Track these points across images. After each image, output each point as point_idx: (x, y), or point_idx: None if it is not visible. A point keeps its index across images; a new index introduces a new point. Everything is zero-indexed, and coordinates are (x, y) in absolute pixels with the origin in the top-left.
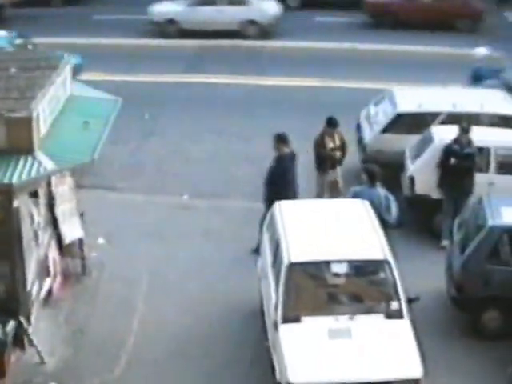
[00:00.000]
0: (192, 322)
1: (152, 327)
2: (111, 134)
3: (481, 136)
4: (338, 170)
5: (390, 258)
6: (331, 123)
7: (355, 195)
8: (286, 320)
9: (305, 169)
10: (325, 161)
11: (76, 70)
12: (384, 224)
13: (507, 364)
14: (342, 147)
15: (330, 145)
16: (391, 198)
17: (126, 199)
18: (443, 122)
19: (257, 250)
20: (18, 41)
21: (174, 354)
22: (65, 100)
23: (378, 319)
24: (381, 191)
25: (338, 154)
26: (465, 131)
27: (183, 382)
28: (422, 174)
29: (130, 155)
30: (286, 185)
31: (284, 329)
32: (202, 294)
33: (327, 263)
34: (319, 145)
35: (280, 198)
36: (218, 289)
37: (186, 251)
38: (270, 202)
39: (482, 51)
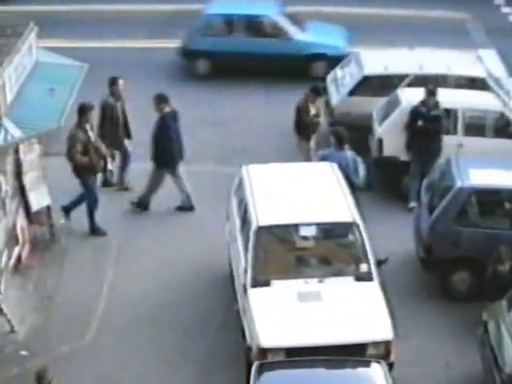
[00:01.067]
0: (162, 287)
1: (122, 293)
2: (77, 100)
3: (448, 98)
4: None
5: (359, 221)
6: (317, 92)
7: (323, 158)
8: (255, 284)
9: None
10: (308, 127)
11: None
12: (352, 186)
13: (477, 325)
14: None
15: (313, 111)
16: (359, 160)
17: None
18: (410, 84)
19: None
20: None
21: (144, 320)
22: (31, 67)
23: (347, 281)
24: (348, 154)
25: (319, 119)
26: (432, 93)
27: (153, 348)
28: (390, 136)
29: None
30: (170, 143)
31: (254, 293)
32: (171, 259)
33: (296, 226)
34: (304, 111)
35: (166, 157)
36: (187, 253)
37: (154, 216)
38: (157, 161)
39: None
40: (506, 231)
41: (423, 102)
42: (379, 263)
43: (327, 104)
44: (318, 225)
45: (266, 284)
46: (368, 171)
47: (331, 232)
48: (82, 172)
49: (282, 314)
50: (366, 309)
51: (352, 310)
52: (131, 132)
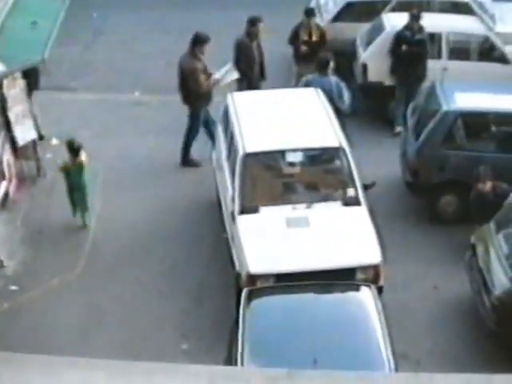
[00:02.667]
0: (149, 217)
1: (110, 225)
2: (60, 34)
3: (432, 22)
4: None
5: (345, 145)
6: (305, 13)
7: (307, 84)
8: (243, 211)
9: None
10: (297, 52)
11: None
12: (337, 111)
13: (465, 248)
14: (320, 42)
15: (304, 37)
16: (343, 85)
17: (78, 98)
18: (394, 9)
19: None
20: None
21: (133, 251)
22: (12, 1)
23: (335, 206)
24: (332, 79)
25: (304, 48)
26: (415, 18)
27: (143, 278)
28: (375, 61)
29: (80, 55)
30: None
31: (242, 220)
32: (157, 189)
33: (282, 152)
34: (293, 36)
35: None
36: (173, 182)
37: (141, 147)
38: None
39: None
40: (492, 153)
41: (407, 27)
42: (366, 188)
43: None
44: (304, 150)
45: (254, 211)
46: (353, 97)
47: (318, 157)
48: (197, 102)
49: (271, 240)
50: (354, 233)
51: (340, 234)
52: (265, 72)
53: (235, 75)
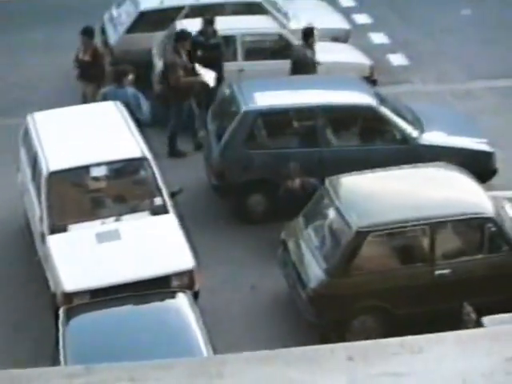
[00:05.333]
0: None
1: None
2: None
3: (225, 25)
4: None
5: (148, 155)
6: (81, 32)
7: (104, 97)
8: (52, 231)
9: None
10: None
11: None
12: (138, 122)
13: (277, 245)
14: (92, 61)
15: (80, 55)
16: (140, 95)
17: None
18: (187, 16)
19: None
20: None
21: None
22: None
23: (143, 217)
24: (129, 90)
25: (75, 66)
26: (209, 22)
27: None
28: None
29: None
30: None
31: (52, 239)
32: None
33: (86, 168)
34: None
35: None
36: None
37: None
38: None
39: None
40: (295, 149)
41: (201, 32)
42: (173, 195)
43: (106, 44)
44: (108, 164)
45: (63, 229)
46: (152, 106)
47: (122, 169)
48: (181, 95)
49: (83, 256)
50: (165, 241)
51: (151, 244)
52: None
53: (212, 80)
